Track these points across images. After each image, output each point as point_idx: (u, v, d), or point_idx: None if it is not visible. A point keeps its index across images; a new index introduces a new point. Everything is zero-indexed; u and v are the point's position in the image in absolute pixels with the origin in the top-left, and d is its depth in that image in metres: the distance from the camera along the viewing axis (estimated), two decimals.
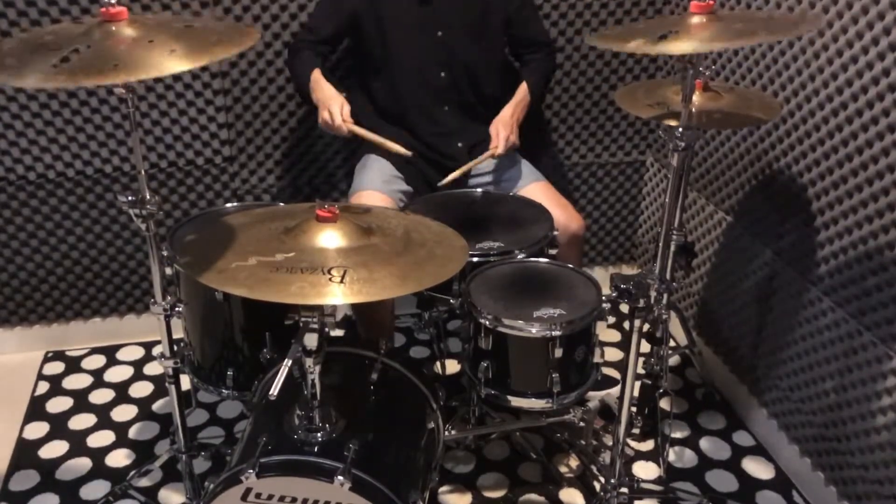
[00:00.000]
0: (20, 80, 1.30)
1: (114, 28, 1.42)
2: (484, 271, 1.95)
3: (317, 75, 2.27)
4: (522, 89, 2.39)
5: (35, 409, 2.46)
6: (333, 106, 2.17)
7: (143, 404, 2.48)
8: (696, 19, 1.58)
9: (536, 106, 2.49)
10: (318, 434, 1.58)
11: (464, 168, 2.26)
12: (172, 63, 1.32)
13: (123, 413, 2.45)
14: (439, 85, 2.31)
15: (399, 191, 2.31)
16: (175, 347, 1.82)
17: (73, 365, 2.67)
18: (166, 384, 1.85)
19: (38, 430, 2.38)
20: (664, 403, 2.31)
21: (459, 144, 2.37)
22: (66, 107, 2.44)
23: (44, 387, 2.56)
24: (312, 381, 1.55)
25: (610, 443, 2.22)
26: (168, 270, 1.86)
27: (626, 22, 2.67)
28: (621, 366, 1.86)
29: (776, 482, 2.21)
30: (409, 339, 2.81)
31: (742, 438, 2.36)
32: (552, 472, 2.20)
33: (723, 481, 2.21)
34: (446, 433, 1.98)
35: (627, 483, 1.97)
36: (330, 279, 1.36)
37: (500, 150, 2.27)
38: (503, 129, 2.29)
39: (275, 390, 1.42)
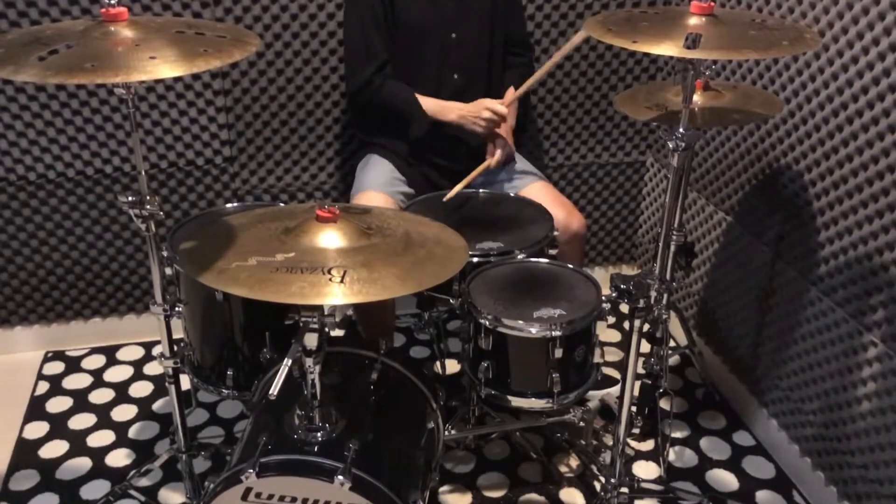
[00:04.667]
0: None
1: (112, 28, 1.42)
2: (484, 271, 1.95)
3: (430, 101, 2.26)
4: (511, 95, 2.33)
5: (35, 409, 2.46)
6: (483, 106, 2.21)
7: (143, 404, 2.48)
8: (694, 20, 1.59)
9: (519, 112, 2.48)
10: (318, 434, 1.58)
11: (465, 181, 2.23)
12: (152, 69, 1.33)
13: (123, 413, 2.45)
14: (453, 88, 2.30)
15: (400, 192, 2.30)
16: (175, 347, 1.82)
17: (73, 365, 2.67)
18: (166, 384, 1.86)
19: (38, 429, 2.38)
20: (664, 403, 2.31)
21: (464, 149, 2.37)
22: (67, 107, 2.45)
23: (44, 387, 2.56)
24: (312, 381, 1.55)
25: (610, 443, 2.22)
26: (168, 270, 1.86)
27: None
28: (621, 366, 1.86)
29: (776, 482, 2.21)
30: (409, 339, 2.81)
31: (742, 438, 2.36)
32: (552, 472, 2.20)
33: (723, 481, 2.21)
34: (446, 433, 1.99)
35: (628, 483, 1.97)
36: (330, 279, 1.36)
37: (498, 158, 2.29)
38: (500, 142, 2.31)
39: (275, 390, 1.42)
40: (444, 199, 2.19)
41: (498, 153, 2.29)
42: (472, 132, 2.26)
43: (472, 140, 2.34)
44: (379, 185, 2.27)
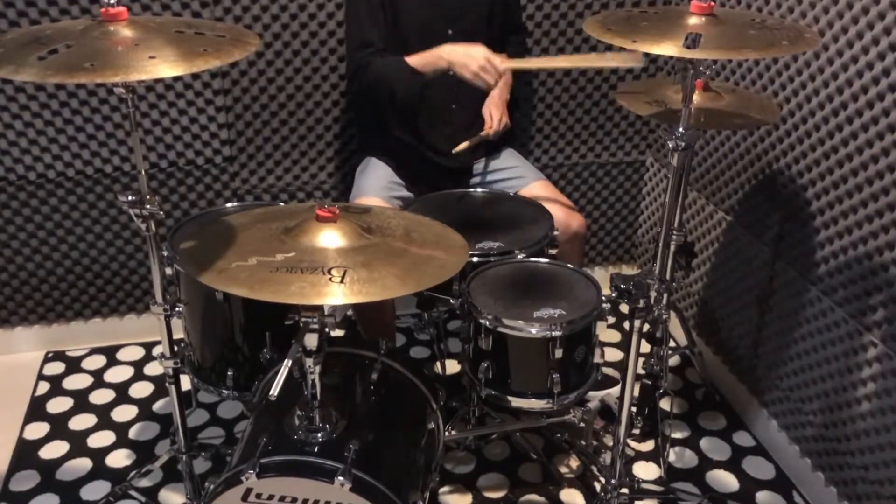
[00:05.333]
0: None
1: (112, 28, 1.42)
2: (484, 271, 1.95)
3: (417, 56, 2.16)
4: (511, 60, 2.26)
5: (35, 410, 2.46)
6: (483, 55, 2.08)
7: (144, 404, 2.48)
8: (694, 20, 1.59)
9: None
10: (319, 434, 1.58)
11: (466, 143, 2.21)
12: (152, 68, 1.33)
13: (124, 413, 2.44)
14: (449, 83, 2.30)
15: (399, 197, 2.30)
16: (175, 347, 1.82)
17: (73, 365, 2.67)
18: (166, 384, 1.86)
19: (38, 430, 2.38)
20: (664, 403, 2.31)
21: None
22: (66, 107, 2.44)
23: (44, 387, 2.56)
24: (312, 381, 1.55)
25: (610, 443, 2.22)
26: (168, 270, 1.86)
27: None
28: (621, 366, 1.86)
29: (776, 482, 2.21)
30: (409, 339, 2.81)
31: (742, 438, 2.36)
32: (552, 473, 2.20)
33: (723, 482, 2.21)
34: (446, 433, 1.98)
35: (628, 483, 1.97)
36: (330, 279, 1.36)
37: (495, 127, 2.26)
38: (495, 110, 2.29)
39: (275, 390, 1.42)
40: (454, 151, 2.13)
41: (496, 119, 2.26)
42: (460, 76, 2.13)
43: (470, 137, 2.34)
44: (377, 190, 2.27)
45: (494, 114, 2.28)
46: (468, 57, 2.10)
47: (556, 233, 2.08)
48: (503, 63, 2.10)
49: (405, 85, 2.20)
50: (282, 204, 2.33)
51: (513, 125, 2.39)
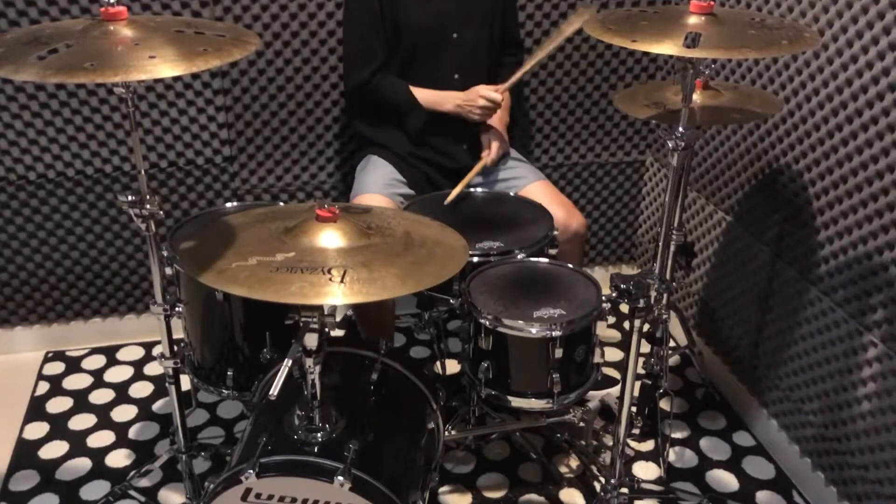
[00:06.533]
0: None
1: (111, 28, 1.42)
2: (484, 271, 1.95)
3: (426, 92, 2.29)
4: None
5: (35, 409, 2.46)
6: (478, 94, 2.22)
7: (143, 404, 2.48)
8: (693, 19, 1.59)
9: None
10: (318, 434, 1.58)
11: (464, 182, 2.25)
12: (152, 68, 1.33)
13: (123, 413, 2.44)
14: (454, 88, 2.30)
15: (400, 194, 2.30)
16: (175, 347, 1.82)
17: (73, 365, 2.67)
18: (166, 384, 1.86)
19: (38, 430, 2.38)
20: (664, 403, 2.31)
21: (464, 147, 2.37)
22: (66, 107, 2.44)
23: (44, 387, 2.56)
24: (312, 381, 1.55)
25: (610, 443, 2.22)
26: (168, 270, 1.86)
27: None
28: (621, 366, 1.86)
29: (776, 482, 2.21)
30: (409, 339, 2.81)
31: (742, 438, 2.36)
32: (552, 473, 2.20)
33: (723, 482, 2.21)
34: (446, 433, 1.98)
35: (627, 483, 1.97)
36: (330, 279, 1.36)
37: (493, 156, 2.32)
38: (494, 138, 2.33)
39: (275, 390, 1.42)
40: (446, 203, 2.20)
41: (494, 148, 2.32)
42: (469, 120, 2.28)
43: (471, 139, 2.35)
44: (378, 187, 2.27)
45: (494, 145, 2.33)
46: (469, 103, 2.25)
47: (556, 233, 2.09)
48: (501, 92, 2.24)
49: (412, 117, 2.30)
50: (282, 204, 2.34)
51: (512, 144, 2.47)
